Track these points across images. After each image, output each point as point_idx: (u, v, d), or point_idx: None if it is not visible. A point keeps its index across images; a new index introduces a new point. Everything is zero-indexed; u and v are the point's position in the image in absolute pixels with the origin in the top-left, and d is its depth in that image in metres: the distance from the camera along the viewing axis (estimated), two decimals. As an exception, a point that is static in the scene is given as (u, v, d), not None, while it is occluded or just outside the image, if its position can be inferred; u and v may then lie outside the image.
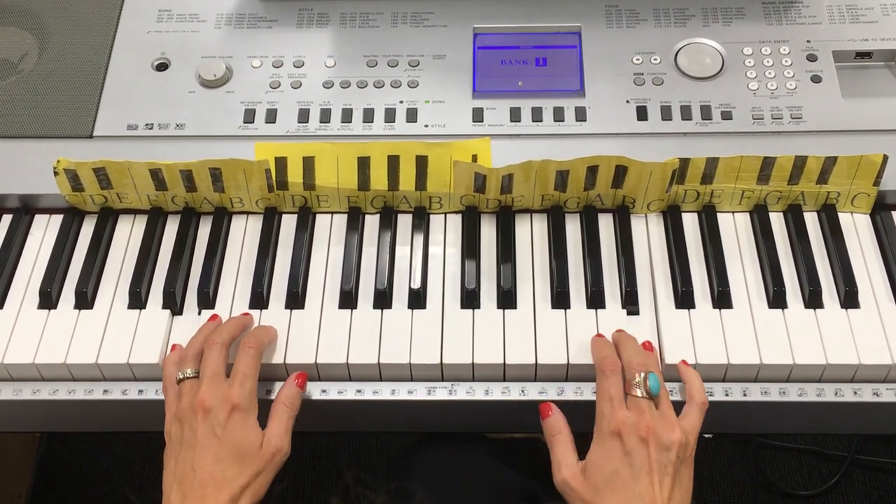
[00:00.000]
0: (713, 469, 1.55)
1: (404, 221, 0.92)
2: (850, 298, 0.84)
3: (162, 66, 1.00)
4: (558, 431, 0.77)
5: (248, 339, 0.79)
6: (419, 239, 0.90)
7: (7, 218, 0.93)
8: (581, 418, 0.77)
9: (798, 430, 0.86)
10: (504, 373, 0.83)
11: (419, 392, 0.82)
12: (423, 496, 0.89)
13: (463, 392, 0.82)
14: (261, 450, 0.74)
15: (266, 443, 0.75)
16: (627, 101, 0.95)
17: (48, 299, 0.87)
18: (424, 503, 0.86)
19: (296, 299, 0.86)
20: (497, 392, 0.82)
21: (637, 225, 0.90)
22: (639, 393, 0.75)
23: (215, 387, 0.75)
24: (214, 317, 0.84)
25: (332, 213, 0.92)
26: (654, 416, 0.74)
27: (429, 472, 0.94)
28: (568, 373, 0.82)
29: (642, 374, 0.75)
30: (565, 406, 0.79)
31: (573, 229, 0.91)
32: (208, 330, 0.82)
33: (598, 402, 0.76)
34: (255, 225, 0.92)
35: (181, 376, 0.77)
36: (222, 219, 0.92)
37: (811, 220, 0.91)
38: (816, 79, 0.96)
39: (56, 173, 0.89)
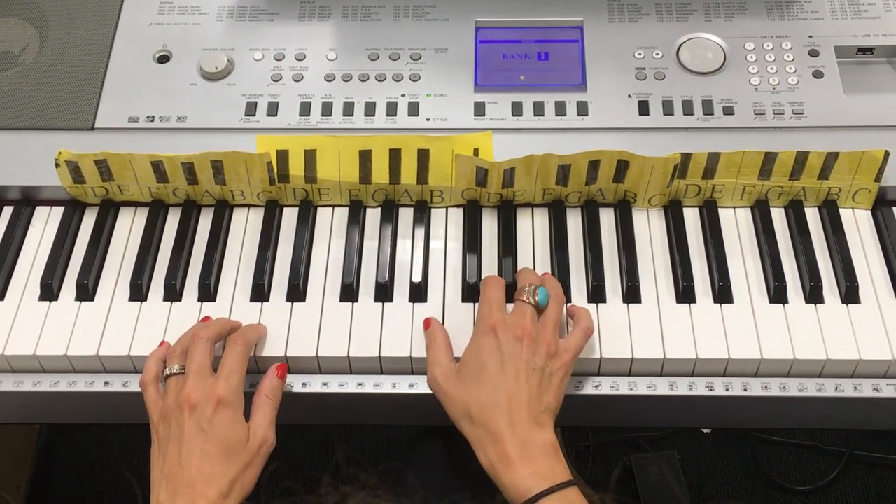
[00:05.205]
0: (711, 464, 1.55)
1: (405, 215, 0.92)
2: (850, 294, 0.84)
3: (163, 59, 0.99)
4: (434, 338, 0.79)
5: (235, 336, 0.79)
6: (420, 232, 0.90)
7: (8, 210, 0.93)
8: (582, 411, 0.77)
9: (798, 424, 0.86)
10: (505, 366, 0.83)
11: (420, 385, 0.82)
12: (415, 477, 0.89)
13: (464, 385, 0.82)
14: (248, 443, 0.74)
15: (253, 435, 0.74)
16: (629, 96, 0.95)
17: (49, 291, 0.87)
18: (416, 484, 0.86)
19: (297, 292, 0.86)
20: (498, 386, 0.82)
21: (638, 219, 0.91)
22: (525, 298, 0.76)
23: (201, 382, 0.74)
24: (206, 318, 0.84)
25: (334, 206, 0.92)
26: (534, 322, 0.75)
27: (429, 465, 0.94)
28: (568, 367, 0.82)
29: (533, 285, 0.77)
30: (564, 400, 0.79)
31: (574, 224, 0.91)
32: (197, 330, 0.81)
33: (479, 308, 0.77)
34: (256, 218, 0.92)
35: (168, 372, 0.77)
36: (223, 211, 0.92)
37: (812, 216, 0.91)
38: (818, 74, 0.96)
39: (57, 165, 0.88)
